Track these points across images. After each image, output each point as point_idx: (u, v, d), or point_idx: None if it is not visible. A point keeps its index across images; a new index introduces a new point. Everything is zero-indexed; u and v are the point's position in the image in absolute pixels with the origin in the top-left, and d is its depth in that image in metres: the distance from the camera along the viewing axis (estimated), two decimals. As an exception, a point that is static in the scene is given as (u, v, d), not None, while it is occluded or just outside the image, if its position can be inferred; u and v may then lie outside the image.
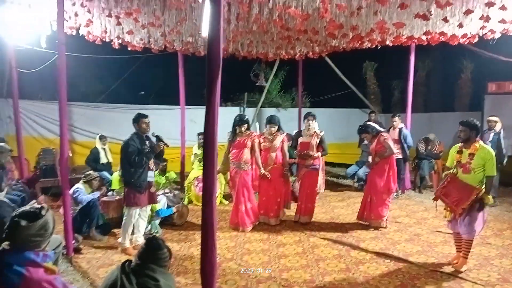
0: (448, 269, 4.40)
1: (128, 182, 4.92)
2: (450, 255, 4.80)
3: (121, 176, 5.11)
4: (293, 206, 6.43)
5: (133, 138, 4.91)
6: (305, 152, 6.11)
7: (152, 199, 5.21)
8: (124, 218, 5.05)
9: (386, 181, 5.90)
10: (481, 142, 4.40)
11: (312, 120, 6.22)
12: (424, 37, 6.01)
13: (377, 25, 5.14)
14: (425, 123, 10.21)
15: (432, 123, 10.42)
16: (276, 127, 6.09)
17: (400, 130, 7.84)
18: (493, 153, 4.32)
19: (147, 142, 5.00)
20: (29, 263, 2.19)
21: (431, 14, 4.73)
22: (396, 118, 7.98)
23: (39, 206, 2.34)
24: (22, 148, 6.95)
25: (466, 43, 6.18)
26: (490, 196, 4.29)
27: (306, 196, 6.21)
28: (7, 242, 2.24)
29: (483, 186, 4.28)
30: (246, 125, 5.97)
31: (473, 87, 11.85)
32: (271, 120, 6.10)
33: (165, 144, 5.16)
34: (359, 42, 6.51)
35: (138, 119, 5.00)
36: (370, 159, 6.21)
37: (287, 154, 6.19)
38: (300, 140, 6.33)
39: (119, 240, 5.13)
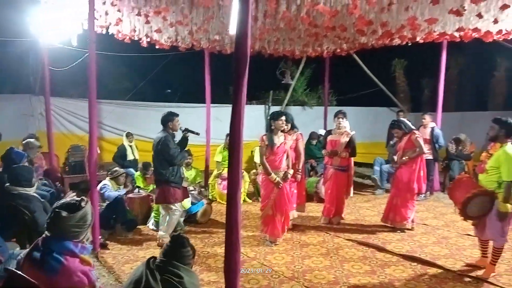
0: (475, 273, 4.24)
1: (167, 180, 5.03)
2: (477, 258, 4.63)
3: (157, 175, 5.14)
4: (317, 206, 6.35)
5: (169, 139, 5.03)
6: (331, 149, 5.97)
7: (186, 194, 5.46)
8: (162, 215, 5.22)
9: (411, 182, 5.73)
10: (508, 144, 3.99)
11: (343, 119, 6.01)
12: (456, 34, 5.80)
13: (408, 21, 5.00)
14: (456, 123, 9.90)
15: (463, 122, 10.10)
16: (289, 126, 5.50)
17: (432, 129, 7.57)
18: None
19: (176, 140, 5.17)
20: (68, 252, 2.27)
21: (465, 10, 4.56)
22: (426, 116, 7.71)
23: (79, 198, 2.41)
24: (52, 144, 7.14)
25: (501, 39, 5.95)
26: (507, 205, 3.84)
27: (336, 197, 6.05)
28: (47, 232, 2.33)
29: (500, 190, 3.90)
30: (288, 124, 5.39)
31: (508, 85, 11.45)
32: (278, 113, 5.38)
33: (197, 133, 5.42)
34: (389, 39, 6.35)
35: (172, 118, 5.10)
36: (396, 158, 5.99)
37: (303, 154, 5.73)
38: (329, 138, 6.14)
39: (159, 235, 5.17)
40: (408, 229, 5.74)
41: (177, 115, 5.16)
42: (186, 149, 5.47)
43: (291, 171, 5.25)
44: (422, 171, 5.82)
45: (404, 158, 5.76)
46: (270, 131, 5.18)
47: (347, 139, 5.92)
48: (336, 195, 6.06)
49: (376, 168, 8.28)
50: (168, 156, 4.97)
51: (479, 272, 4.25)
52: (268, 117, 5.39)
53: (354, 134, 5.99)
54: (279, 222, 5.20)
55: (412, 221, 5.84)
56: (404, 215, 5.74)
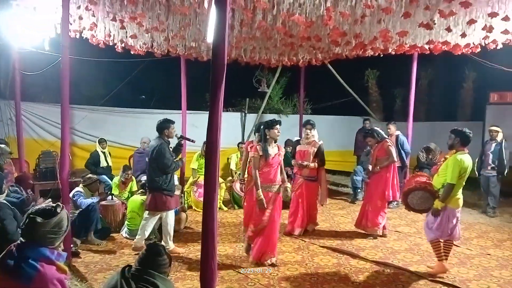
0: (448, 279, 4.38)
1: (160, 187, 4.98)
2: (449, 265, 4.77)
3: (150, 182, 5.07)
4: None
5: (164, 147, 4.97)
6: (299, 162, 5.89)
7: (177, 201, 5.48)
8: (144, 218, 5.18)
9: (384, 189, 5.88)
10: (464, 153, 4.31)
11: (311, 129, 5.94)
12: (427, 46, 6.02)
13: (380, 33, 5.15)
14: (427, 132, 10.18)
15: (433, 132, 10.38)
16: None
17: (397, 137, 7.77)
18: (463, 163, 4.21)
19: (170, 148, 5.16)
20: (44, 259, 2.22)
21: (435, 23, 4.73)
22: (391, 125, 7.87)
23: (54, 204, 2.36)
24: (22, 150, 6.94)
25: (469, 53, 6.19)
26: (439, 202, 4.28)
27: (308, 206, 6.00)
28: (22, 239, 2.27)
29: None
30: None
31: (475, 96, 11.86)
32: (276, 120, 5.03)
33: (193, 140, 5.42)
34: (362, 50, 6.52)
35: (168, 125, 5.06)
36: (370, 167, 6.13)
37: (282, 167, 5.07)
38: (298, 148, 6.09)
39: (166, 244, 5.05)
40: (379, 236, 5.87)
41: (173, 122, 5.13)
42: (180, 157, 5.45)
43: (289, 185, 4.96)
44: (395, 179, 5.99)
45: (376, 168, 5.92)
46: (264, 140, 4.80)
47: (315, 149, 5.88)
48: (307, 204, 6.00)
49: (358, 178, 8.37)
50: (161, 164, 4.91)
51: (451, 279, 4.39)
52: (261, 126, 4.97)
53: (322, 144, 5.96)
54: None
55: (384, 228, 5.97)
56: (375, 221, 5.87)
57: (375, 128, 6.37)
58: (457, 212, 4.38)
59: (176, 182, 5.31)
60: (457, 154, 4.28)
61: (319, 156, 5.90)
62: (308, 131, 5.95)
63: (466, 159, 4.27)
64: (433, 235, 4.46)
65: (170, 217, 5.17)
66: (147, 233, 5.17)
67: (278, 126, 4.81)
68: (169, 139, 5.14)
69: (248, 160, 5.24)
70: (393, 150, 5.93)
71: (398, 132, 7.88)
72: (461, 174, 4.23)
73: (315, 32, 5.46)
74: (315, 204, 6.16)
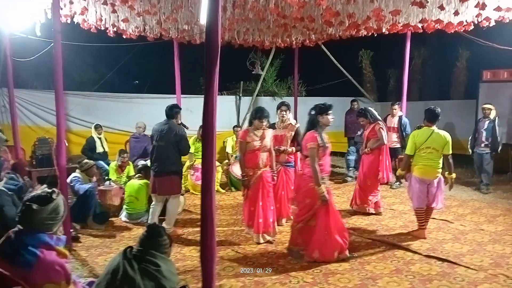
0: (443, 254, 4.46)
1: (177, 170, 5.11)
2: (443, 241, 4.90)
3: (167, 165, 4.98)
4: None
5: (183, 129, 5.20)
6: (276, 147, 5.33)
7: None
8: (153, 205, 5.23)
9: (375, 169, 6.00)
10: (424, 128, 5.07)
11: (286, 111, 5.52)
12: (420, 25, 6.02)
13: (373, 12, 5.14)
14: (421, 111, 10.18)
15: (427, 111, 10.47)
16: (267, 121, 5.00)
17: (400, 118, 7.79)
18: (415, 137, 4.99)
19: None
20: (43, 245, 2.24)
21: (427, 2, 4.72)
22: (396, 106, 7.91)
23: (50, 190, 2.37)
24: (17, 138, 6.92)
25: (461, 31, 6.20)
26: (400, 170, 5.29)
27: (282, 196, 5.50)
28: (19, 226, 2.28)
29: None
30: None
31: (468, 75, 11.89)
32: (263, 113, 4.87)
33: (186, 127, 5.64)
34: (356, 30, 6.50)
35: (178, 110, 5.32)
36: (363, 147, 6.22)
37: (274, 152, 5.16)
38: (273, 133, 5.27)
39: (166, 225, 5.03)
40: (370, 213, 6.00)
41: (180, 108, 5.39)
42: None
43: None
44: (387, 160, 6.06)
45: (366, 150, 6.00)
46: (320, 127, 4.37)
47: (292, 133, 5.50)
48: (284, 193, 5.53)
49: (351, 158, 8.53)
50: (182, 146, 5.06)
51: (444, 255, 4.51)
52: (312, 111, 4.46)
53: (299, 126, 5.55)
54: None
55: (378, 206, 6.08)
56: (364, 199, 6.01)
57: (369, 108, 6.39)
58: (421, 181, 4.91)
59: None
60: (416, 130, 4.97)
61: (297, 140, 5.38)
62: (284, 113, 5.53)
63: (419, 133, 5.00)
64: (413, 204, 5.07)
65: (178, 199, 5.31)
66: (156, 218, 5.20)
67: (331, 111, 4.42)
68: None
69: (250, 148, 4.89)
70: (384, 133, 5.98)
71: (401, 113, 7.91)
72: (417, 146, 4.89)
73: (308, 13, 5.44)
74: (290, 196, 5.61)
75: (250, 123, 5.02)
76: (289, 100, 10.98)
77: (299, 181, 4.59)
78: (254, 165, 4.86)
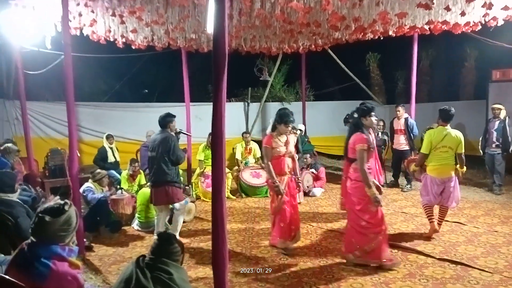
0: (456, 257, 4.42)
1: (172, 180, 5.07)
2: (457, 243, 4.85)
3: (160, 175, 5.04)
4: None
5: (175, 139, 5.10)
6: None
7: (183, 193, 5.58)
8: (156, 217, 5.31)
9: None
10: (439, 127, 5.19)
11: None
12: (426, 27, 5.99)
13: (379, 15, 5.14)
14: (430, 113, 10.14)
15: (436, 113, 10.30)
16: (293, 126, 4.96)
17: (406, 120, 7.73)
18: (430, 136, 5.06)
19: None
20: (56, 256, 2.25)
21: (433, 3, 4.71)
22: (400, 108, 7.86)
23: (62, 202, 2.38)
24: (31, 149, 7.02)
25: (469, 31, 6.16)
26: (414, 167, 5.36)
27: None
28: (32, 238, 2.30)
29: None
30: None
31: (477, 75, 11.78)
32: (289, 117, 4.71)
33: (189, 134, 5.64)
34: (362, 33, 6.49)
35: (171, 119, 5.19)
36: None
37: (296, 157, 5.11)
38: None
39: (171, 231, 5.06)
40: None
41: (174, 116, 5.24)
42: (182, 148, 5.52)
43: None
44: (377, 164, 5.95)
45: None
46: (365, 128, 4.31)
47: (295, 139, 5.44)
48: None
49: None
50: (174, 156, 5.01)
51: (461, 254, 4.49)
52: (354, 113, 4.47)
53: (301, 132, 5.57)
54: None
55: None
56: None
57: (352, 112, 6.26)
58: (438, 180, 4.97)
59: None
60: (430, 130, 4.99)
61: (297, 147, 5.51)
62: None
63: (435, 132, 5.06)
64: (422, 200, 5.22)
65: (183, 208, 5.27)
66: (161, 228, 5.23)
67: (374, 113, 4.36)
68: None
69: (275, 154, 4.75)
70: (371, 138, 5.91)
71: (406, 115, 7.85)
72: (433, 145, 4.96)
73: (314, 18, 5.45)
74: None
75: (274, 128, 4.83)
76: (297, 104, 11.10)
77: (353, 190, 4.26)
78: (280, 172, 4.76)
